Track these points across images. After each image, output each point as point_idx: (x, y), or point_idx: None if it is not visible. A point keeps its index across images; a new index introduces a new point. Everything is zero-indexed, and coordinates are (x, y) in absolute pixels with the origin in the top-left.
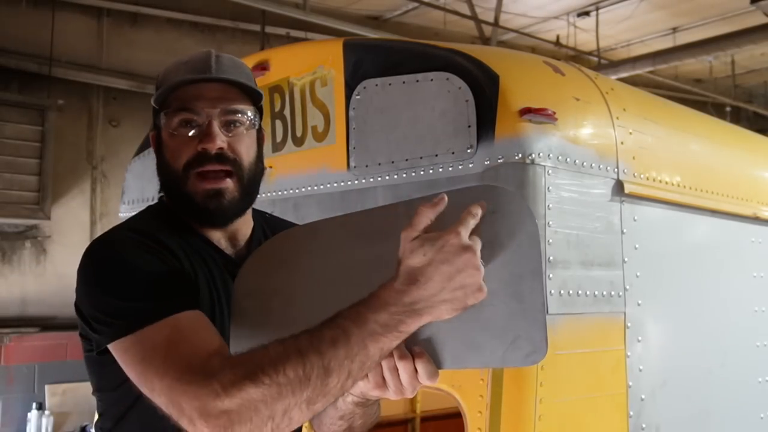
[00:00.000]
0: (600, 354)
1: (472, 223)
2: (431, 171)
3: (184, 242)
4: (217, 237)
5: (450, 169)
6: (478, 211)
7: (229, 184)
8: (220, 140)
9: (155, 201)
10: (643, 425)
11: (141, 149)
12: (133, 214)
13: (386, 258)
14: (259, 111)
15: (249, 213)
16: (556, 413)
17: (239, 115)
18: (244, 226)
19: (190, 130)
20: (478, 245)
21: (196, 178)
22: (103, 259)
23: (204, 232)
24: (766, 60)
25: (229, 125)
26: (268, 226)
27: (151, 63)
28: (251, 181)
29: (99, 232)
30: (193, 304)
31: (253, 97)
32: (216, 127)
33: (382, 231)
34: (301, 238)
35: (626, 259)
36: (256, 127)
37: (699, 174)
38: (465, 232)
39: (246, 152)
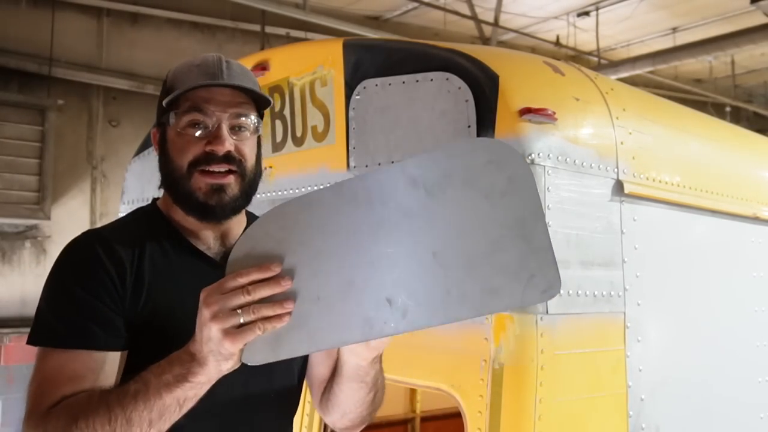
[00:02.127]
0: (600, 354)
1: (231, 283)
2: None
3: (160, 250)
4: (207, 235)
5: None
6: (242, 278)
7: (231, 180)
8: (229, 143)
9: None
10: (643, 425)
11: (141, 149)
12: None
13: (387, 221)
14: (261, 117)
15: (243, 212)
16: (556, 413)
17: (245, 120)
18: (237, 225)
19: (198, 131)
20: (225, 302)
21: (200, 175)
22: (57, 267)
23: (195, 232)
24: (766, 60)
25: (235, 129)
26: None
27: (151, 63)
28: (251, 182)
29: None
30: (97, 344)
31: (257, 103)
32: (225, 130)
33: (380, 194)
34: (295, 212)
35: (626, 259)
36: (259, 132)
37: (699, 174)
38: (214, 288)
39: (249, 155)
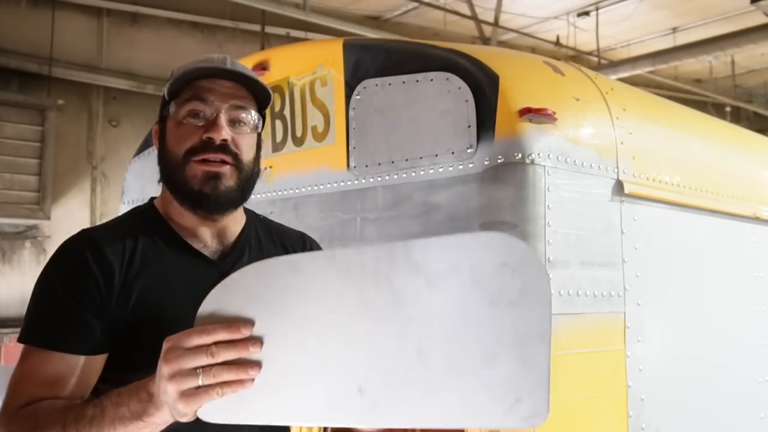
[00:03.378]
0: (600, 354)
1: (196, 340)
2: (431, 171)
3: (154, 249)
4: (204, 232)
5: (450, 169)
6: (207, 337)
7: (227, 170)
8: (226, 132)
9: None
10: (643, 425)
11: (141, 149)
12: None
13: (377, 304)
14: (263, 118)
15: (240, 210)
16: (556, 413)
17: (245, 115)
18: (234, 223)
19: (198, 121)
20: (185, 362)
21: (195, 163)
22: (46, 267)
23: (191, 230)
24: (766, 60)
25: (234, 122)
26: (261, 226)
27: (151, 63)
28: (248, 178)
29: None
30: (71, 348)
31: (259, 103)
32: (223, 119)
33: (376, 273)
34: (280, 272)
35: (626, 259)
36: (259, 131)
37: (699, 174)
38: (177, 341)
39: (247, 150)
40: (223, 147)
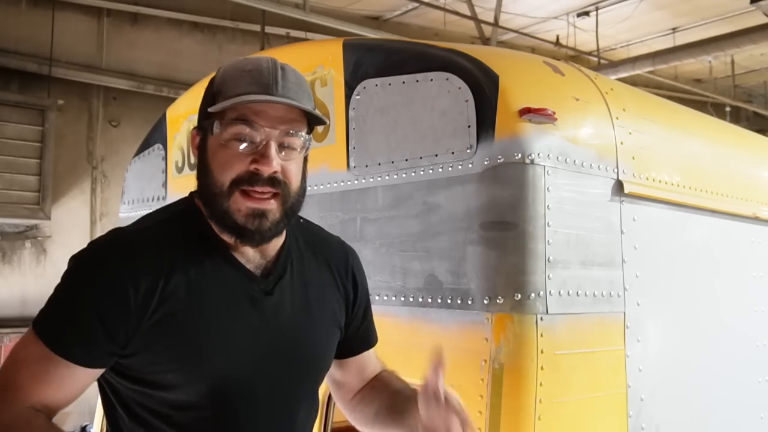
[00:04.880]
0: (600, 354)
1: None
2: (431, 171)
3: (195, 259)
4: (245, 248)
5: (450, 169)
6: None
7: (273, 205)
8: (276, 163)
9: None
10: (643, 425)
11: (141, 149)
12: (150, 211)
13: None
14: (311, 130)
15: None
16: (556, 413)
17: (295, 139)
18: (277, 238)
19: (243, 144)
20: None
21: (241, 195)
22: (78, 266)
23: (233, 244)
24: (766, 60)
25: (284, 146)
26: (302, 234)
27: (151, 63)
28: (294, 205)
29: (99, 232)
30: (71, 358)
31: (309, 115)
32: (273, 149)
33: None
34: None
35: (626, 259)
36: (308, 151)
37: (699, 174)
38: None
39: (295, 176)
40: (272, 179)
